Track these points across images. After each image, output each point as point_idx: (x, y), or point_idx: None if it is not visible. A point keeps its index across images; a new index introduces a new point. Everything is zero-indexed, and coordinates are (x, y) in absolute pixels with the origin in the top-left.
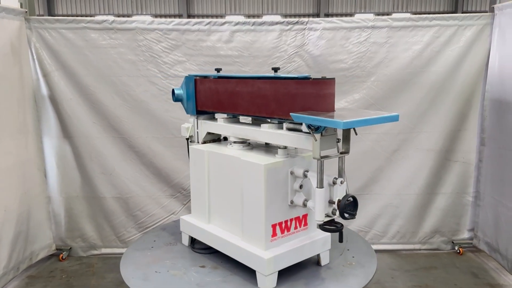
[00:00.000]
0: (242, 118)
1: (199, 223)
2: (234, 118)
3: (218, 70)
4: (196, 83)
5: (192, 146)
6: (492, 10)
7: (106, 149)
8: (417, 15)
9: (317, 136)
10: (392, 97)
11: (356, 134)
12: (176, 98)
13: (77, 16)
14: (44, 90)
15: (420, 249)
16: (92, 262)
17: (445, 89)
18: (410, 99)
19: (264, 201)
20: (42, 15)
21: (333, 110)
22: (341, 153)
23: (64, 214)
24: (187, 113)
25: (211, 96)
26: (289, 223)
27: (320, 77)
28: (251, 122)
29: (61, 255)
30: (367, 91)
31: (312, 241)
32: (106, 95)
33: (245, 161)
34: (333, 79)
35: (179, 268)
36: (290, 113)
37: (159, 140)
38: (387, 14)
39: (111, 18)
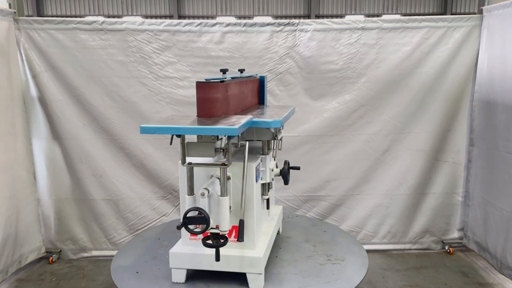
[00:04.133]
0: None
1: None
2: None
3: (223, 71)
4: None
5: None
6: (480, 12)
7: (96, 151)
8: (407, 17)
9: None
10: (382, 98)
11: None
12: None
13: (66, 16)
14: (33, 91)
15: (410, 249)
16: (83, 265)
17: (435, 90)
18: (400, 100)
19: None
20: (31, 16)
21: (215, 116)
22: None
23: (54, 216)
24: None
25: None
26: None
27: (205, 80)
28: None
29: (50, 258)
30: (358, 92)
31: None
32: (96, 96)
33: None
34: (213, 83)
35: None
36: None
37: (149, 141)
38: (377, 16)
39: (101, 18)
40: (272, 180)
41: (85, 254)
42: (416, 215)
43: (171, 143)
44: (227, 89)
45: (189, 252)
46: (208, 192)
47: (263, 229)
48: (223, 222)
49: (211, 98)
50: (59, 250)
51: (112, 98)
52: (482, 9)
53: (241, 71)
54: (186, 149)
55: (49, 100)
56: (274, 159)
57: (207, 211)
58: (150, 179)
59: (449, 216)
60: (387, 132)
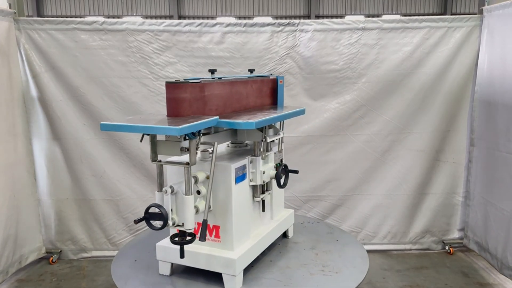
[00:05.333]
0: None
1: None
2: None
3: (212, 71)
4: None
5: None
6: (480, 12)
7: (96, 151)
8: (407, 17)
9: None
10: (383, 98)
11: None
12: None
13: (66, 17)
14: (33, 91)
15: (411, 249)
16: (83, 265)
17: (435, 90)
18: (400, 100)
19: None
20: (31, 16)
21: (183, 115)
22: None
23: (54, 216)
24: None
25: None
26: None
27: (174, 80)
28: None
29: (51, 258)
30: (358, 92)
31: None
32: (97, 96)
33: None
34: (181, 83)
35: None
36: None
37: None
38: (378, 16)
39: (101, 19)
40: (265, 182)
41: (85, 255)
42: (417, 215)
43: (141, 141)
44: (203, 89)
45: (174, 247)
46: (173, 190)
47: (255, 232)
48: (187, 220)
49: (178, 98)
50: (59, 251)
51: (112, 99)
52: (482, 9)
53: (251, 71)
54: (156, 147)
55: (49, 100)
56: (282, 161)
57: (171, 208)
58: (150, 179)
59: (449, 216)
60: (387, 132)
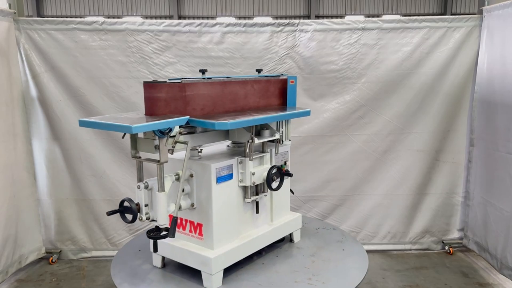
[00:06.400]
0: None
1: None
2: None
3: (202, 71)
4: None
5: None
6: (480, 12)
7: (96, 151)
8: (407, 17)
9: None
10: (382, 98)
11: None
12: None
13: (66, 17)
14: (33, 91)
15: (410, 249)
16: (83, 265)
17: (435, 90)
18: (400, 100)
19: None
20: (31, 16)
21: (158, 114)
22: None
23: (54, 216)
24: None
25: None
26: (184, 222)
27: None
28: None
29: (50, 258)
30: (358, 93)
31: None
32: (96, 96)
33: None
34: (155, 83)
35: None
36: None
37: None
38: (377, 16)
39: (101, 19)
40: (255, 184)
41: (85, 255)
42: (416, 216)
43: (123, 137)
44: (184, 89)
45: (165, 241)
46: (147, 186)
47: (247, 233)
48: (159, 216)
49: (153, 98)
50: (59, 251)
51: (112, 99)
52: (482, 9)
53: (259, 71)
54: (136, 144)
55: (49, 100)
56: (286, 163)
57: (147, 203)
58: None
59: (449, 216)
60: (387, 133)
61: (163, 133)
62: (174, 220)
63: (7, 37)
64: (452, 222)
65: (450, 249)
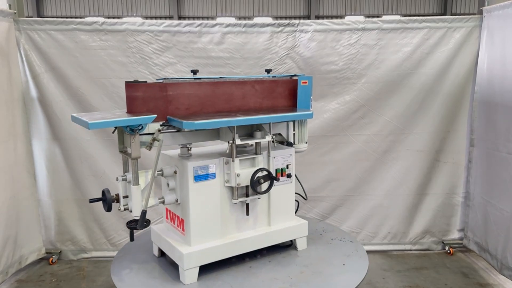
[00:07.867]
0: None
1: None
2: None
3: (194, 72)
4: None
5: None
6: (480, 12)
7: (96, 152)
8: (407, 17)
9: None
10: (383, 98)
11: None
12: None
13: (66, 17)
14: (33, 92)
15: (410, 250)
16: (83, 266)
17: (435, 91)
18: (400, 101)
19: None
20: (31, 17)
21: (136, 112)
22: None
23: (54, 217)
24: None
25: None
26: (174, 216)
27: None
28: None
29: (51, 259)
30: (358, 93)
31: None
32: (96, 97)
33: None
34: (134, 83)
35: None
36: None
37: None
38: (377, 16)
39: (101, 19)
40: (240, 185)
41: (85, 255)
42: (416, 216)
43: (113, 132)
44: (165, 89)
45: (159, 232)
46: (125, 179)
47: (234, 234)
48: (134, 208)
49: (132, 96)
50: (59, 251)
51: (112, 99)
52: (482, 9)
53: (268, 71)
54: (123, 139)
55: (49, 101)
56: (289, 167)
57: (125, 195)
58: None
59: (449, 216)
60: (387, 133)
61: (133, 130)
62: (142, 213)
63: (7, 37)
64: (452, 222)
65: (450, 249)
